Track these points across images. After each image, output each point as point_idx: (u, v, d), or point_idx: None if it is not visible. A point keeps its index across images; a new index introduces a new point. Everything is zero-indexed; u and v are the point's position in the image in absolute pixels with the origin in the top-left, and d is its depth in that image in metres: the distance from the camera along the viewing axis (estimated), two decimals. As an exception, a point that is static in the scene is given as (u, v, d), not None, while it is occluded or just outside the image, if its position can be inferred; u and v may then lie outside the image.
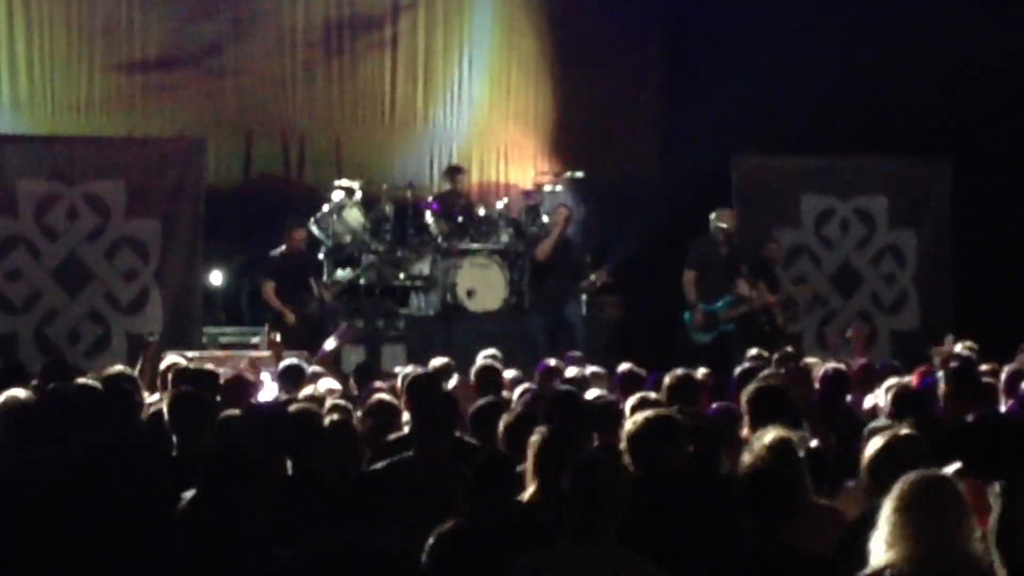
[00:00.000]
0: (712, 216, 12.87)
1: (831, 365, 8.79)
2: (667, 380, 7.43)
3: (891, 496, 4.17)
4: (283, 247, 13.03)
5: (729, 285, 12.78)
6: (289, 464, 5.59)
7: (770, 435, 4.62)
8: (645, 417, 5.38)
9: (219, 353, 12.17)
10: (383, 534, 4.30)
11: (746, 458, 4.60)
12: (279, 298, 12.81)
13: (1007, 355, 10.21)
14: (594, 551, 4.29)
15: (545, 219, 14.17)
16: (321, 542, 3.62)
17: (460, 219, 14.29)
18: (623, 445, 5.34)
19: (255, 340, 13.30)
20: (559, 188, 15.27)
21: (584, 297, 14.24)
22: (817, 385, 8.25)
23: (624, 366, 8.87)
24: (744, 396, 6.63)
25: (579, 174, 15.17)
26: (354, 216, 14.33)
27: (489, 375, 8.44)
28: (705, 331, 12.57)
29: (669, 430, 5.37)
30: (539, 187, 15.14)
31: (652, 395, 6.81)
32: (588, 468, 4.39)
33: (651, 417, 5.37)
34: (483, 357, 9.43)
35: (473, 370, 8.66)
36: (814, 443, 6.44)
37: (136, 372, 8.53)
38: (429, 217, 14.33)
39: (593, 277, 13.33)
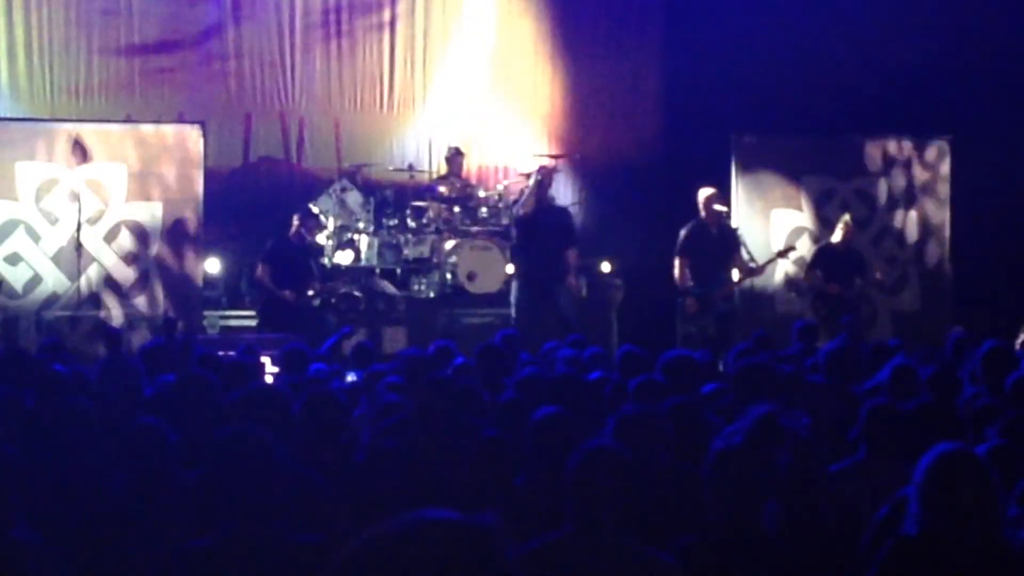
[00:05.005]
0: (699, 198, 12.73)
1: (834, 344, 8.76)
2: (664, 362, 7.40)
3: (919, 472, 4.16)
4: (289, 234, 13.02)
5: (724, 265, 12.71)
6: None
7: (754, 412, 4.59)
8: (635, 409, 5.38)
9: None
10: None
11: (727, 435, 4.55)
12: (275, 284, 12.78)
13: (1007, 334, 10.22)
14: (597, 541, 4.22)
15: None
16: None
17: (459, 201, 14.32)
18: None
19: (255, 323, 13.32)
20: (559, 170, 15.27)
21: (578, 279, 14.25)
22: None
23: (625, 348, 8.83)
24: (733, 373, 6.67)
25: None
26: (354, 199, 14.35)
27: (494, 355, 8.33)
28: (701, 315, 12.48)
29: (660, 421, 5.36)
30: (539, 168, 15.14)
31: (657, 378, 6.79)
32: (589, 458, 4.32)
33: (642, 410, 5.37)
34: (495, 338, 9.34)
35: (477, 351, 8.59)
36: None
37: None
38: (427, 200, 14.36)
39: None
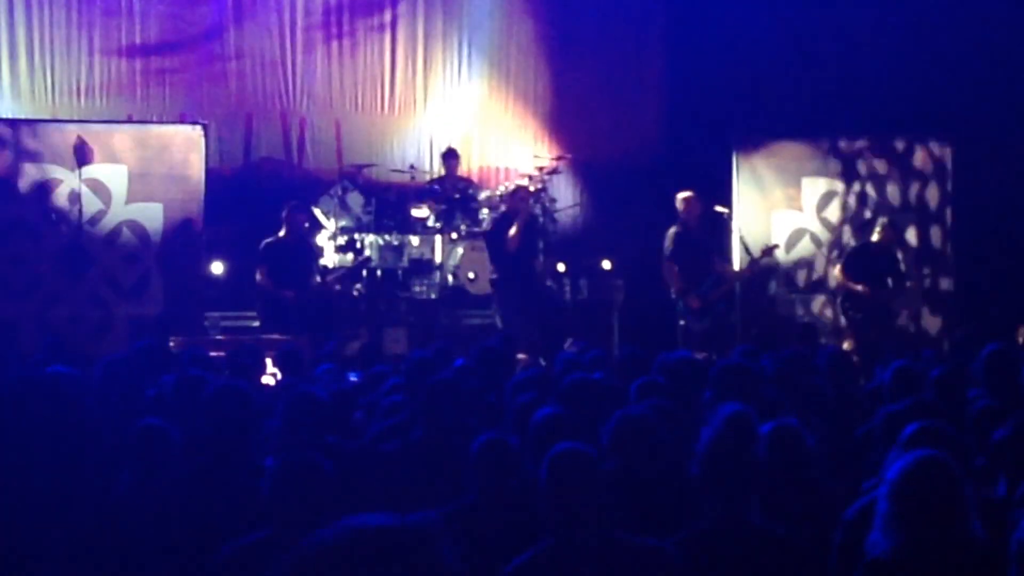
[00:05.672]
0: (677, 202, 12.75)
1: (835, 347, 8.78)
2: (668, 363, 7.41)
3: (887, 482, 4.13)
4: (281, 232, 12.86)
5: (708, 266, 12.75)
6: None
7: (728, 410, 4.62)
8: (626, 415, 5.40)
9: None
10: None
11: (705, 433, 4.59)
12: (275, 283, 12.68)
13: (1005, 336, 10.23)
14: (585, 542, 4.18)
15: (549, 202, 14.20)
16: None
17: (460, 202, 14.33)
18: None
19: (256, 324, 13.30)
20: (559, 171, 15.30)
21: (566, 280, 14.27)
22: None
23: (627, 350, 8.83)
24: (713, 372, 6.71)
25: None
26: (355, 200, 14.35)
27: (494, 357, 8.30)
28: (702, 316, 12.51)
29: (655, 425, 5.37)
30: (539, 170, 15.15)
31: (657, 380, 6.80)
32: (561, 460, 4.27)
33: (635, 415, 5.39)
34: (492, 339, 9.35)
35: (476, 352, 8.57)
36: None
37: None
38: (428, 201, 14.36)
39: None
